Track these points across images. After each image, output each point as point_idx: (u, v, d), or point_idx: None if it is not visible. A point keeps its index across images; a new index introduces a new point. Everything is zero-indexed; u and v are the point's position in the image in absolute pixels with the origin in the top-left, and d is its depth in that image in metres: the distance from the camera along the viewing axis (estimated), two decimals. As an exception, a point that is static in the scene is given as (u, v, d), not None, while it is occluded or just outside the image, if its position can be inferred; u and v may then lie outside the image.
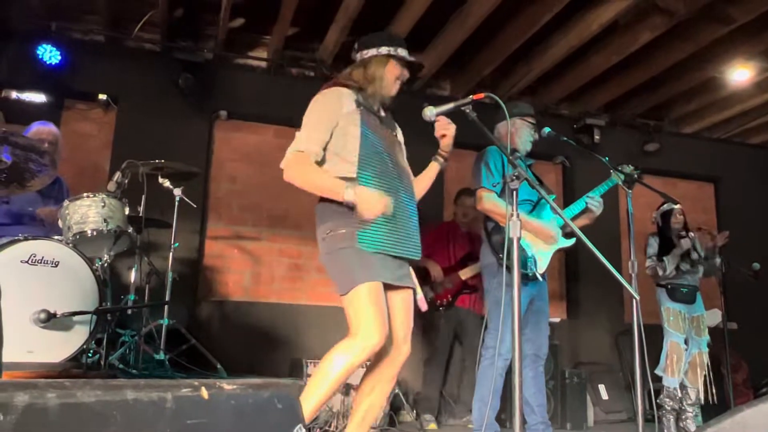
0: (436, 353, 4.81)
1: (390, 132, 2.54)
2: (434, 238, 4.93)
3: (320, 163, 2.35)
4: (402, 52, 2.48)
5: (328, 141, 2.34)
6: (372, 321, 2.18)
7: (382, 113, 2.55)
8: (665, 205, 4.63)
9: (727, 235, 4.64)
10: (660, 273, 4.46)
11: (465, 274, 4.72)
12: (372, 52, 2.46)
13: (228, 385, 1.12)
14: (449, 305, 4.72)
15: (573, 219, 3.40)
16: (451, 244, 4.90)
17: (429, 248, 4.85)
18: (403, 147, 2.63)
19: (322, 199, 2.37)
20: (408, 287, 2.43)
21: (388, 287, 2.34)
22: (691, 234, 4.60)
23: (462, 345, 4.93)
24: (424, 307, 2.48)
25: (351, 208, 2.22)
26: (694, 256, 4.46)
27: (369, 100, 2.46)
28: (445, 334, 4.80)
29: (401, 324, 2.40)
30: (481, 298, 4.95)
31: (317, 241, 2.39)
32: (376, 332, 2.18)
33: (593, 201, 3.35)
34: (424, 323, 5.00)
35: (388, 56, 2.46)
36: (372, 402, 2.38)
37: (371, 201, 2.19)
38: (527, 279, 3.21)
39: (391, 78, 2.48)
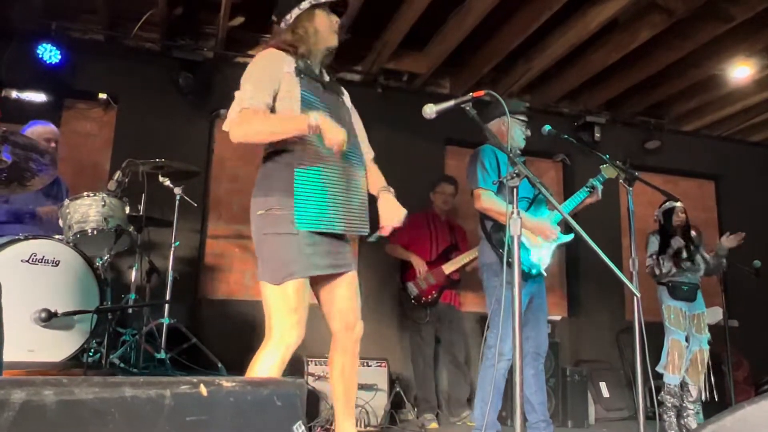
0: (422, 352, 4.74)
1: (336, 97, 2.43)
2: (412, 227, 4.78)
3: None
4: None
5: (272, 105, 2.20)
6: (290, 321, 2.14)
7: (326, 77, 2.42)
8: (667, 203, 4.62)
9: (742, 237, 4.58)
10: (657, 272, 4.47)
11: (448, 268, 4.67)
12: (294, 12, 2.32)
13: (227, 383, 1.11)
14: (434, 302, 4.66)
15: (573, 209, 3.41)
16: (433, 236, 4.82)
17: (407, 239, 4.75)
18: (352, 111, 2.52)
19: (266, 160, 2.27)
20: (349, 271, 2.35)
21: (327, 276, 2.29)
22: (693, 233, 4.60)
23: (441, 342, 4.89)
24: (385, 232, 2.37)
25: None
26: (684, 255, 4.44)
27: (308, 62, 2.32)
28: (429, 332, 4.75)
29: (349, 309, 2.36)
30: (459, 294, 4.95)
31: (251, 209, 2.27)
32: (294, 331, 2.15)
33: (596, 183, 3.35)
34: (408, 321, 4.95)
35: (313, 7, 2.32)
36: (346, 384, 2.38)
37: (335, 129, 2.09)
38: (528, 276, 3.21)
39: (324, 28, 2.33)
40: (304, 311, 2.19)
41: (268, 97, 2.18)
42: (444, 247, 4.78)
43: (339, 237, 2.31)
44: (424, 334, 4.73)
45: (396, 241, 4.75)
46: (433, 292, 4.65)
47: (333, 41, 2.38)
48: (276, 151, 2.25)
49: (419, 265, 4.65)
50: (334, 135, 2.09)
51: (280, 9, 2.36)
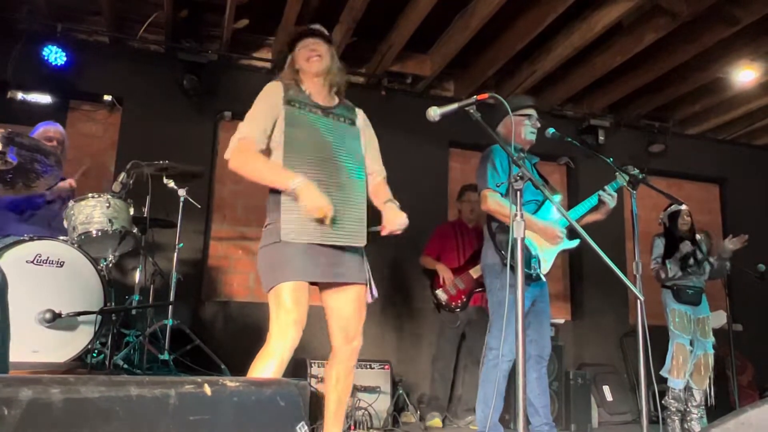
0: (443, 352, 4.81)
1: (336, 122, 2.52)
2: (441, 237, 4.94)
3: (266, 153, 2.39)
4: (297, 33, 2.58)
5: (271, 131, 2.38)
6: (285, 322, 2.23)
7: (335, 101, 2.57)
8: (672, 206, 4.61)
9: (745, 239, 4.56)
10: (663, 276, 4.46)
11: (476, 272, 4.65)
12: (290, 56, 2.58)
13: (231, 383, 1.12)
14: (464, 306, 4.67)
15: (583, 216, 3.38)
16: (459, 243, 4.87)
17: (437, 249, 4.89)
18: (363, 129, 2.61)
19: (271, 191, 2.39)
20: (356, 283, 2.43)
21: (329, 284, 2.39)
22: (698, 237, 4.58)
23: (466, 341, 4.92)
24: (369, 299, 2.48)
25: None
26: (699, 256, 4.45)
27: (307, 93, 2.50)
28: (452, 333, 4.79)
29: (349, 321, 2.43)
30: None
31: None
32: (289, 331, 2.23)
33: (606, 194, 3.32)
34: (437, 324, 4.99)
35: (293, 44, 2.57)
36: (339, 394, 2.47)
37: (314, 200, 2.22)
38: (530, 279, 3.20)
39: (302, 60, 2.52)
40: (300, 312, 2.26)
41: (263, 125, 2.38)
42: (471, 252, 4.80)
43: (337, 248, 2.37)
44: (449, 336, 4.80)
45: (428, 253, 4.89)
46: (463, 296, 4.68)
47: (309, 68, 2.51)
48: None
49: (444, 272, 4.70)
50: (311, 203, 2.21)
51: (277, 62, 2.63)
